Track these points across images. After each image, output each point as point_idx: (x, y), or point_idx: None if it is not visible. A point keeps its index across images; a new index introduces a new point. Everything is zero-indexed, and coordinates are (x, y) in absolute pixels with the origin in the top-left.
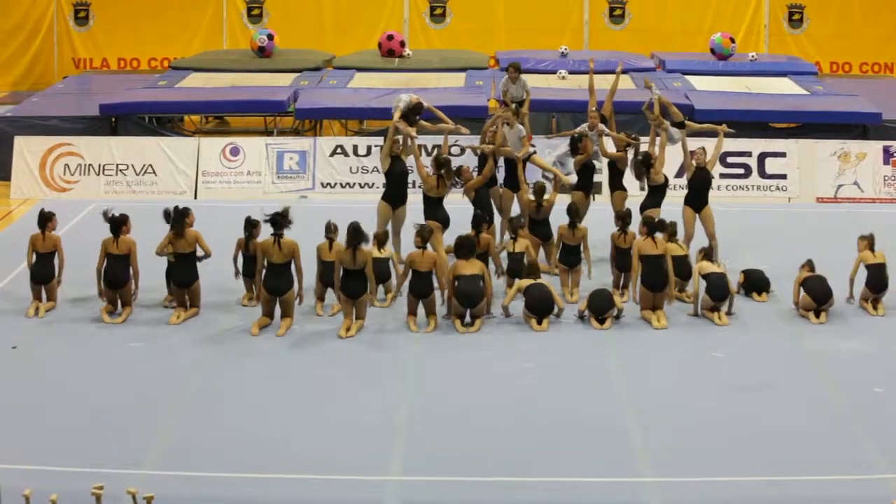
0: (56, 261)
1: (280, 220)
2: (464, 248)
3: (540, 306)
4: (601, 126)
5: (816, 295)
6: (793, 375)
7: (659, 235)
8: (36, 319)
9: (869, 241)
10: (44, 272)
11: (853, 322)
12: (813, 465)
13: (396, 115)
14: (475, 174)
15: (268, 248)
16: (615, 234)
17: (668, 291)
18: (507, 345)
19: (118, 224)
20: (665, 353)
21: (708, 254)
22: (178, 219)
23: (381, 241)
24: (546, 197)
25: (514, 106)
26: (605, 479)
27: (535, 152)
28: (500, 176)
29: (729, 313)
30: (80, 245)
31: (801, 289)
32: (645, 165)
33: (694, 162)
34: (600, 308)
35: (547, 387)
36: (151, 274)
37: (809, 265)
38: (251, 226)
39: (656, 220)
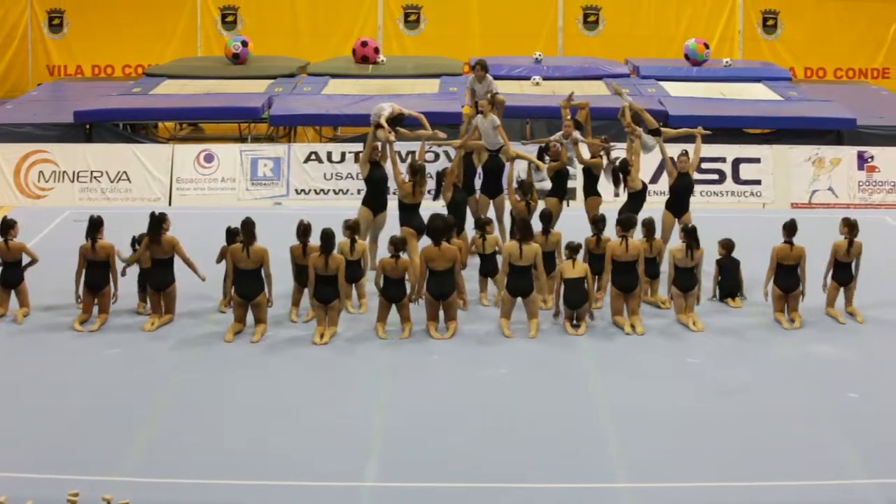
0: (28, 262)
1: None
2: (434, 231)
3: (520, 286)
4: (576, 133)
5: (784, 284)
6: (768, 380)
7: (633, 239)
8: (10, 326)
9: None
10: (12, 278)
11: (827, 327)
12: (790, 470)
13: (383, 120)
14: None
15: (236, 253)
16: (589, 239)
17: (639, 293)
18: (482, 350)
19: (96, 225)
20: (641, 359)
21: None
22: (155, 225)
23: (352, 229)
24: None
25: (489, 96)
26: (582, 485)
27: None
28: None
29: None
30: (54, 252)
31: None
32: (622, 172)
33: (677, 167)
34: (575, 302)
35: (522, 392)
36: (127, 280)
37: (787, 229)
38: (232, 235)
39: (625, 216)
